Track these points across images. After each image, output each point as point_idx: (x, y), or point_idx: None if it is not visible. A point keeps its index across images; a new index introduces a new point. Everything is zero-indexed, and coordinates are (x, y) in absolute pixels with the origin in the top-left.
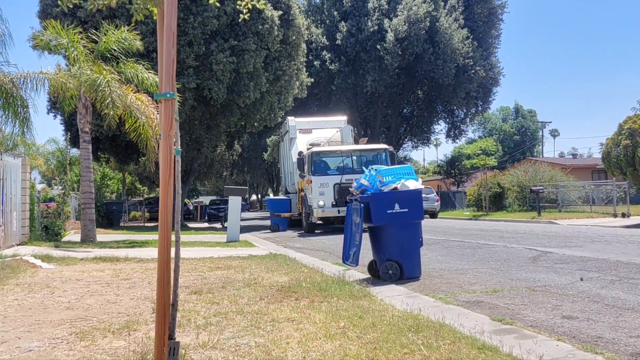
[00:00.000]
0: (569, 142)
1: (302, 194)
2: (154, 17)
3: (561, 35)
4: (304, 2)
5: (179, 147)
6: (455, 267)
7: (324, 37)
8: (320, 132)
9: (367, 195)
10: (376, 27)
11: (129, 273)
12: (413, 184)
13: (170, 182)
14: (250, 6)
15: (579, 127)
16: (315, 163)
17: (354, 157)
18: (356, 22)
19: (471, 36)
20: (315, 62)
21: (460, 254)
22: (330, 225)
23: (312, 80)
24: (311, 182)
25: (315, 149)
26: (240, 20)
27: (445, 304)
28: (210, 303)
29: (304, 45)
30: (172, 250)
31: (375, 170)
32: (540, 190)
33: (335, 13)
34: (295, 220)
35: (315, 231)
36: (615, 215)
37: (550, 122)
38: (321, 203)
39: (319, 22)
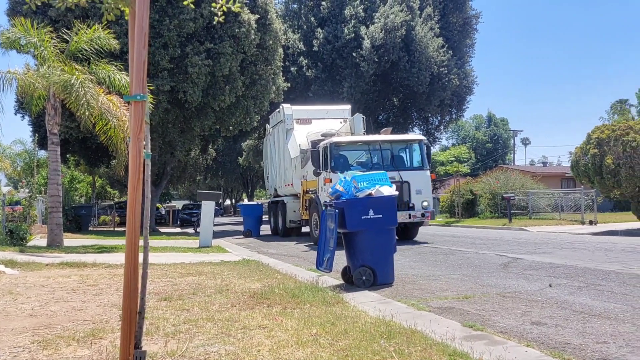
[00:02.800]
0: (540, 151)
1: (311, 195)
2: (126, 17)
3: (534, 46)
4: (281, 7)
5: (149, 150)
6: (428, 273)
7: (301, 42)
8: (321, 123)
9: (341, 201)
10: (353, 35)
11: (96, 279)
12: (387, 190)
13: (139, 187)
14: (225, 9)
15: (549, 136)
16: (336, 157)
17: (383, 151)
18: (333, 29)
19: (446, 45)
20: (292, 68)
21: (433, 260)
22: None
23: (289, 85)
24: (331, 180)
25: (335, 139)
26: (215, 22)
27: (418, 310)
28: (180, 310)
29: (280, 50)
30: (141, 256)
31: (351, 176)
32: (512, 198)
33: (312, 19)
34: (293, 228)
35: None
36: (583, 223)
37: (521, 131)
38: None
39: (296, 27)
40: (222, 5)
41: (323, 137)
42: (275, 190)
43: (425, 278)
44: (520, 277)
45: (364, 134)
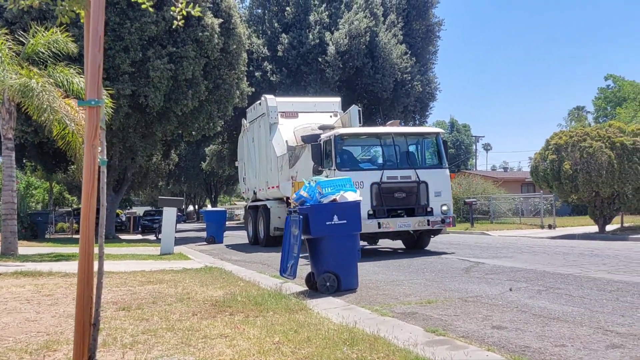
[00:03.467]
0: (501, 156)
1: None
2: (82, 20)
3: (495, 54)
4: (245, 11)
5: (105, 157)
6: (392, 278)
7: (266, 47)
8: (309, 117)
9: (306, 206)
10: (318, 40)
11: (52, 289)
12: (352, 196)
13: (93, 194)
14: (184, 13)
15: (510, 142)
16: (342, 152)
17: (397, 145)
18: (298, 35)
19: (409, 52)
20: (256, 73)
21: (397, 265)
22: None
23: (253, 90)
24: None
25: (342, 130)
26: (174, 26)
27: (381, 315)
28: (139, 319)
29: (244, 55)
30: (96, 265)
31: (315, 181)
32: (474, 202)
33: (276, 25)
34: (277, 236)
35: None
36: (542, 227)
37: (483, 137)
38: None
39: (260, 32)
40: (181, 10)
41: (314, 132)
42: (254, 193)
43: (388, 283)
44: (482, 281)
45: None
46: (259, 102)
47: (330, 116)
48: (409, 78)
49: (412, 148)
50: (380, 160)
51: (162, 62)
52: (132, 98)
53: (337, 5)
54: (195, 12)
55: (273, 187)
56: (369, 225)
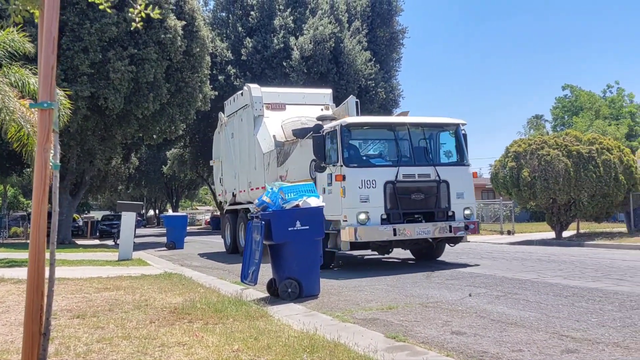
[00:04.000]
0: None
1: None
2: (36, 20)
3: (457, 61)
4: (209, 15)
5: (58, 161)
6: (354, 284)
7: (229, 51)
8: (297, 110)
9: (268, 212)
10: (282, 45)
11: (3, 296)
12: (315, 202)
13: (45, 199)
14: (143, 15)
15: (471, 148)
16: (350, 145)
17: (414, 138)
18: (262, 39)
19: (374, 59)
20: (220, 77)
21: (359, 271)
22: (366, 254)
23: (217, 93)
24: (344, 177)
25: (350, 119)
26: (132, 28)
27: (342, 322)
28: (94, 328)
29: (208, 58)
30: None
31: (278, 187)
32: None
33: (240, 28)
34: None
35: (332, 266)
36: (502, 233)
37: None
38: (362, 217)
39: (224, 36)
40: (140, 11)
41: (305, 126)
42: (234, 195)
43: (350, 289)
44: (442, 286)
45: None
46: (240, 92)
47: (322, 109)
48: (373, 85)
49: (430, 141)
50: (394, 156)
51: (122, 64)
52: (91, 100)
53: (302, 10)
54: (155, 14)
55: (257, 189)
56: (382, 232)
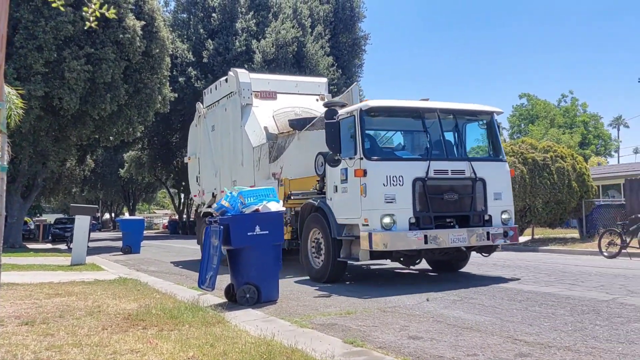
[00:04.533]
0: None
1: (307, 200)
2: None
3: (417, 68)
4: (170, 16)
5: (5, 162)
6: (313, 289)
7: (190, 53)
8: (290, 99)
9: (227, 217)
10: (244, 48)
11: None
12: (275, 206)
13: None
14: (98, 14)
15: None
16: (373, 134)
17: (445, 127)
18: (224, 41)
19: (336, 64)
20: (180, 78)
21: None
22: (371, 263)
23: (176, 95)
24: (365, 172)
25: (372, 103)
26: (86, 27)
27: (301, 327)
28: (43, 335)
29: (168, 59)
30: None
31: (237, 191)
32: None
33: (202, 30)
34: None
35: (347, 282)
36: None
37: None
38: (387, 220)
39: (185, 37)
40: (94, 11)
41: (300, 116)
42: (214, 196)
43: (309, 294)
44: (401, 291)
45: None
46: (224, 78)
47: (317, 99)
48: (335, 90)
49: (462, 132)
50: (423, 147)
51: (79, 64)
52: (45, 100)
53: (264, 14)
54: (110, 14)
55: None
56: (411, 240)
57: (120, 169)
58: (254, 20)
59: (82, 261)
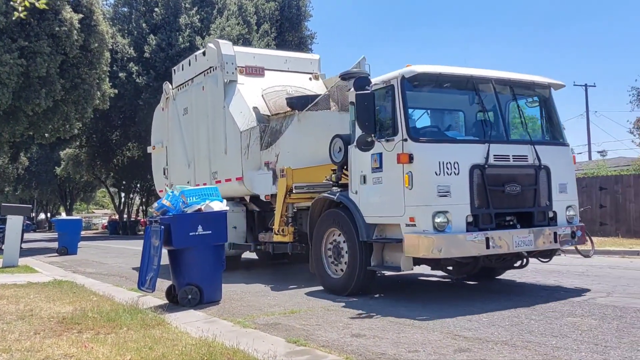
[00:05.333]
0: None
1: (322, 195)
2: None
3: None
4: (110, 9)
5: None
6: (257, 289)
7: (132, 48)
8: (280, 77)
9: (168, 216)
10: (188, 44)
11: None
12: (218, 205)
13: None
14: (27, 4)
15: None
16: (419, 109)
17: (503, 101)
18: (167, 37)
19: None
20: (120, 74)
21: (262, 274)
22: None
23: (116, 91)
24: (411, 158)
25: (420, 68)
26: (15, 18)
27: (243, 327)
28: None
29: (107, 54)
30: None
31: (179, 190)
32: None
33: (144, 25)
34: (231, 258)
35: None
36: None
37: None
38: (441, 219)
39: (126, 32)
40: (23, 0)
41: (302, 93)
42: None
43: (254, 294)
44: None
45: None
46: (200, 51)
47: (310, 79)
48: None
49: (523, 109)
50: (478, 127)
51: (11, 57)
52: None
53: (209, 10)
54: (40, 4)
55: (229, 180)
56: (471, 244)
57: (56, 167)
58: (198, 16)
59: (15, 263)
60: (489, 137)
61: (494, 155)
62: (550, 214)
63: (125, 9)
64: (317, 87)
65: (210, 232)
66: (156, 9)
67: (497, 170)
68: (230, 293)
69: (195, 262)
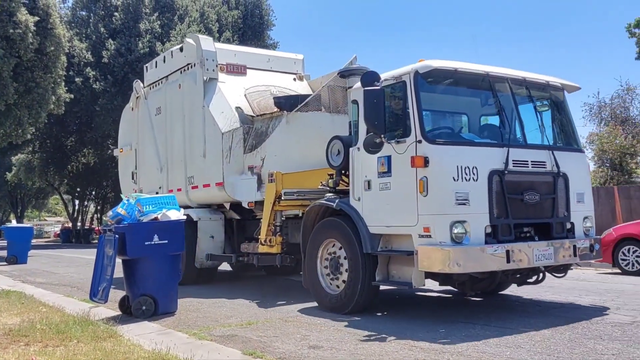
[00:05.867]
0: None
1: (319, 202)
2: None
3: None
4: (68, 12)
5: None
6: (214, 300)
7: (89, 52)
8: (262, 77)
9: (123, 225)
10: (148, 50)
11: None
12: (175, 214)
13: None
14: None
15: None
16: (434, 108)
17: (519, 102)
18: (126, 42)
19: None
20: (77, 79)
21: (219, 285)
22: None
23: (72, 96)
24: (426, 161)
25: (435, 62)
26: None
27: (199, 339)
28: None
29: (64, 58)
30: None
31: (135, 198)
32: None
33: (103, 29)
34: (208, 269)
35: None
36: None
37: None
38: (459, 230)
39: (84, 36)
40: None
41: (287, 94)
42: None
43: (210, 305)
44: (305, 300)
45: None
46: (177, 47)
47: (294, 79)
48: None
49: (537, 111)
50: (496, 129)
51: None
52: None
53: (169, 16)
54: None
55: (207, 186)
56: (490, 258)
57: (7, 173)
58: (159, 22)
59: None
60: (508, 140)
61: (513, 161)
62: (568, 225)
63: (84, 13)
64: (301, 88)
65: (166, 241)
66: (116, 14)
67: (516, 176)
68: (187, 304)
69: (150, 272)
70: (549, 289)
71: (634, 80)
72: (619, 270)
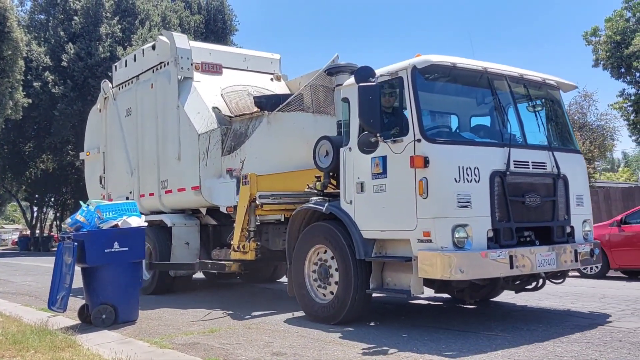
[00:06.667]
0: None
1: (303, 206)
2: None
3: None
4: (25, 16)
5: None
6: (175, 307)
7: (48, 57)
8: (239, 76)
9: (82, 232)
10: (108, 54)
11: None
12: (136, 221)
13: None
14: None
15: None
16: (433, 105)
17: (517, 100)
18: (86, 46)
19: None
20: (35, 83)
21: (188, 293)
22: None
23: (30, 101)
24: (426, 161)
25: (434, 58)
26: None
27: (160, 348)
28: None
29: (22, 62)
30: None
31: (94, 205)
32: None
33: (62, 33)
34: (182, 278)
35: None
36: None
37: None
38: (461, 234)
39: (42, 40)
40: None
41: (264, 93)
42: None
43: (172, 313)
44: (265, 306)
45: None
46: (149, 45)
47: (272, 79)
48: None
49: (539, 112)
50: (496, 128)
51: None
52: None
53: (130, 20)
54: None
55: (182, 190)
56: (492, 264)
57: None
58: (120, 26)
59: None
60: (508, 140)
61: (514, 161)
62: (568, 229)
63: (43, 17)
64: (279, 89)
65: (127, 248)
66: (75, 17)
67: (517, 178)
68: (148, 312)
69: (110, 280)
70: (525, 294)
71: (592, 87)
72: (578, 274)
